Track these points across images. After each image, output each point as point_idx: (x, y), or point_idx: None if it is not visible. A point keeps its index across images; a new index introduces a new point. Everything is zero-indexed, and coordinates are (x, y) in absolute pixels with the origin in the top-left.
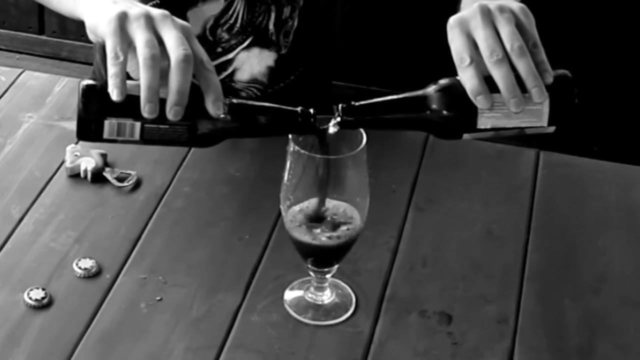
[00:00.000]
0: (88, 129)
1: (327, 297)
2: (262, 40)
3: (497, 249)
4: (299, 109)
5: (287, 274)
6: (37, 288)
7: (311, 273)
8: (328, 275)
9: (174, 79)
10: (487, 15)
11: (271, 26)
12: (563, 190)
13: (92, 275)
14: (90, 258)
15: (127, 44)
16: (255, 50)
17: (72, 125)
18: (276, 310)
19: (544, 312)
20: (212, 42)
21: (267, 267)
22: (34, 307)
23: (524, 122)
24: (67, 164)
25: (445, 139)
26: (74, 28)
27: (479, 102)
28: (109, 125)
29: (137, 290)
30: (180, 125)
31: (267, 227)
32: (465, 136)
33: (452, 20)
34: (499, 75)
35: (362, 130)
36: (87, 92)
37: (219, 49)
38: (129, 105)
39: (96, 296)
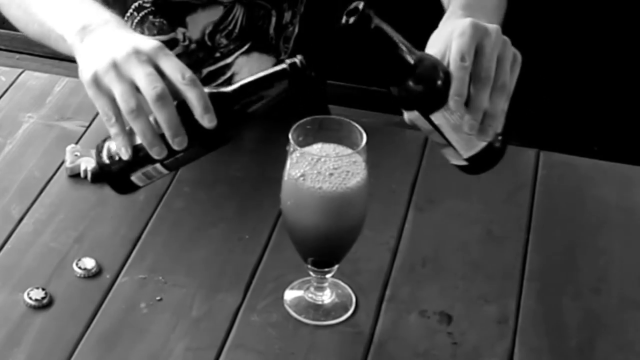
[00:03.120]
0: (122, 188)
1: (327, 297)
2: (261, 45)
3: (497, 249)
4: (287, 64)
5: (287, 274)
6: (37, 288)
7: (311, 273)
8: (328, 275)
9: (159, 117)
10: (499, 41)
11: (271, 31)
12: (563, 190)
13: (92, 275)
14: (90, 258)
15: (111, 99)
16: (255, 55)
17: (72, 125)
18: (276, 310)
19: (544, 312)
20: (211, 47)
21: (267, 267)
22: (34, 307)
23: (458, 143)
24: (67, 164)
25: (404, 108)
26: None
27: (453, 101)
28: (136, 178)
29: (137, 290)
30: (192, 145)
31: (267, 227)
32: (408, 115)
33: (466, 25)
34: (478, 98)
35: (362, 130)
36: (104, 165)
37: (217, 54)
38: (140, 155)
39: (96, 296)
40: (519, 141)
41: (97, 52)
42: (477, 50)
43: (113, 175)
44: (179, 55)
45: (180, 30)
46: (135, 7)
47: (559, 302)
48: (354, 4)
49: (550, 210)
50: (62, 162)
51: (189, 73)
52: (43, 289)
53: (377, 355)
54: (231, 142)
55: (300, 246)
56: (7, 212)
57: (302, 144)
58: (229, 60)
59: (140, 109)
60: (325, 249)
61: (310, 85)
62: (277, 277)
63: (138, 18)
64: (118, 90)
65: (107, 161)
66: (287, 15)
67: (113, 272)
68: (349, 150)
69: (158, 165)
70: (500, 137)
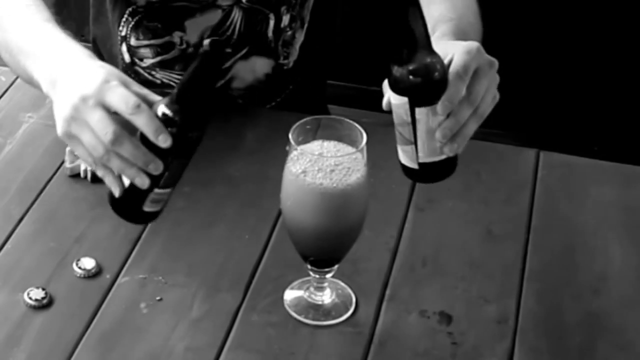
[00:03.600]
0: (142, 219)
1: (327, 297)
2: (260, 49)
3: (497, 249)
4: (202, 52)
5: (287, 274)
6: (37, 288)
7: (311, 273)
8: (328, 275)
9: (125, 156)
10: (493, 76)
11: (270, 34)
12: (563, 190)
13: (92, 275)
14: (90, 258)
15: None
16: (253, 59)
17: None
18: (276, 310)
19: (544, 312)
20: None
21: (267, 267)
22: (34, 307)
23: (422, 145)
24: (67, 164)
25: (396, 91)
26: (74, 28)
27: (443, 105)
28: (148, 207)
29: (137, 290)
30: (171, 161)
31: (267, 227)
32: (394, 99)
33: (475, 46)
34: (460, 113)
35: (362, 130)
36: (115, 206)
37: None
38: (135, 188)
39: (96, 296)
40: (519, 141)
41: (59, 107)
42: (474, 72)
43: (127, 212)
44: (175, 59)
45: (177, 34)
46: (130, 11)
47: (559, 302)
48: None
49: (550, 210)
50: (62, 162)
51: (132, 101)
52: (43, 289)
53: (377, 355)
54: (204, 137)
55: (301, 245)
56: (7, 212)
57: (302, 144)
58: (227, 64)
59: (108, 153)
60: (325, 248)
61: (224, 57)
62: (277, 277)
63: (132, 23)
64: (84, 141)
65: (115, 201)
66: (286, 19)
67: (113, 272)
68: (350, 148)
69: (157, 190)
70: (455, 159)
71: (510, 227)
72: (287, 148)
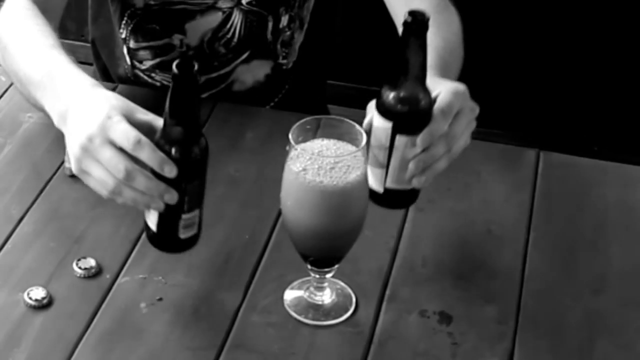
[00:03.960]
0: (181, 247)
1: (327, 297)
2: (260, 51)
3: (497, 249)
4: (175, 71)
5: (287, 274)
6: (37, 288)
7: (311, 273)
8: (328, 275)
9: (140, 190)
10: (472, 121)
11: (269, 35)
12: (563, 190)
13: (92, 275)
14: (91, 258)
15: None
16: (254, 63)
17: None
18: (276, 310)
19: (544, 312)
20: (209, 54)
21: (267, 267)
22: (34, 307)
23: (393, 172)
24: (67, 164)
25: (383, 113)
26: (74, 28)
27: (424, 137)
28: (183, 233)
29: (137, 290)
30: (185, 185)
31: (267, 227)
32: (377, 122)
33: (462, 88)
34: (436, 149)
35: (362, 130)
36: (153, 242)
37: (216, 63)
38: (165, 216)
39: (96, 296)
40: (519, 141)
41: (69, 146)
42: (456, 113)
43: (166, 245)
44: (174, 60)
45: (177, 36)
46: (129, 14)
47: (559, 302)
48: (409, 16)
49: (550, 210)
50: (62, 162)
51: (132, 137)
52: (43, 289)
53: (377, 355)
54: (208, 148)
55: (301, 245)
56: (7, 212)
57: (302, 144)
58: (228, 69)
59: (119, 186)
60: (325, 248)
61: (195, 74)
62: (277, 277)
63: (132, 26)
64: (96, 177)
65: (152, 238)
66: (284, 20)
67: (113, 272)
68: (350, 146)
69: (184, 215)
70: (417, 192)
71: (510, 227)
72: (287, 148)
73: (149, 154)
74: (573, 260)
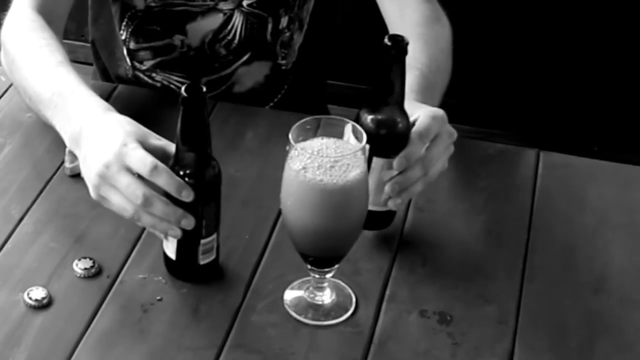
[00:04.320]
0: (203, 274)
1: (327, 297)
2: (261, 53)
3: (497, 249)
4: (181, 99)
5: (287, 274)
6: (37, 288)
7: (311, 273)
8: (328, 275)
9: (158, 215)
10: (450, 147)
11: (268, 36)
12: (563, 190)
13: (92, 275)
14: (90, 258)
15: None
16: (255, 64)
17: None
18: (276, 310)
19: (544, 312)
20: (210, 56)
21: (267, 267)
22: (34, 307)
23: (369, 193)
24: (67, 164)
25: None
26: (74, 28)
27: (399, 160)
28: (202, 259)
29: (137, 290)
30: (202, 208)
31: (267, 227)
32: (353, 142)
33: (441, 113)
34: (412, 172)
35: (361, 130)
36: (173, 271)
37: (216, 64)
38: (186, 239)
39: (96, 296)
40: (519, 141)
41: (86, 174)
42: (434, 138)
43: (186, 273)
44: (175, 60)
45: (178, 37)
46: (129, 15)
47: (559, 302)
48: (388, 40)
49: (550, 210)
50: (62, 162)
51: (148, 163)
52: (43, 289)
53: (377, 355)
54: (221, 171)
55: (301, 245)
56: (7, 212)
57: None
58: (228, 70)
59: (138, 212)
60: (325, 248)
61: (204, 97)
62: (277, 277)
63: (132, 27)
64: (114, 203)
65: (171, 266)
66: (284, 21)
67: (113, 272)
68: (350, 145)
69: (202, 241)
70: (393, 214)
71: (510, 227)
72: (287, 148)
73: (166, 179)
74: (573, 260)
